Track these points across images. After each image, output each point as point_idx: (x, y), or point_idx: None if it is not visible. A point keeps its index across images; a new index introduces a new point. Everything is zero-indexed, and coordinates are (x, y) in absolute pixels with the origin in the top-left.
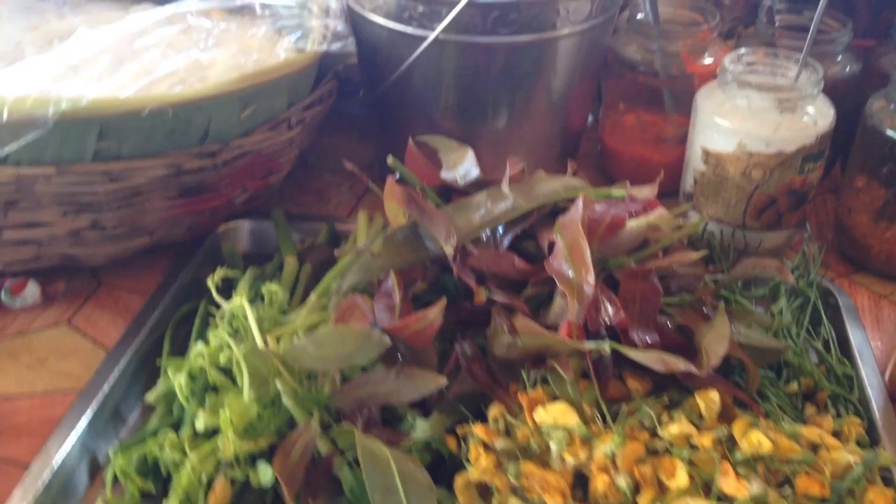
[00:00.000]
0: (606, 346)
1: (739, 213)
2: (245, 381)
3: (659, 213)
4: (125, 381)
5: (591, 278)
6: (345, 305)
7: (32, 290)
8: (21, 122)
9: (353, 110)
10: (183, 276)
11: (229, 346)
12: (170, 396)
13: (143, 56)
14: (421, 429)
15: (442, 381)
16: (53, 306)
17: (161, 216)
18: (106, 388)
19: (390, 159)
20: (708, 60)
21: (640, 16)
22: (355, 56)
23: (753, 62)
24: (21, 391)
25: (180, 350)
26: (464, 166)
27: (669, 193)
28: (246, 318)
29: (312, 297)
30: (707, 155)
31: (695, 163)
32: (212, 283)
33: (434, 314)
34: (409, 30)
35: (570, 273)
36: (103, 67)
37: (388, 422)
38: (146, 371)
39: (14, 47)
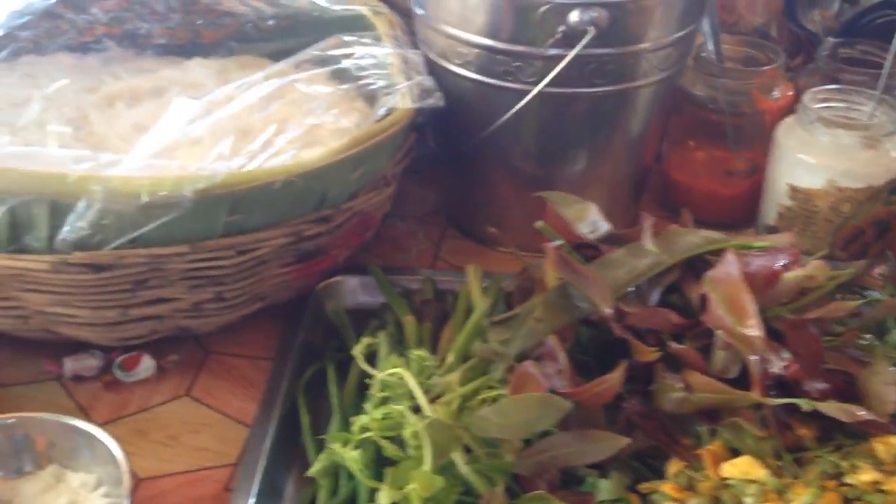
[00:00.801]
0: (804, 404)
1: (827, 245)
2: (427, 452)
3: (815, 265)
4: (273, 454)
5: (761, 331)
6: (519, 373)
7: (147, 365)
8: (159, 203)
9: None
10: (296, 340)
11: (386, 416)
12: (331, 470)
13: (252, 122)
14: (604, 489)
15: (624, 441)
16: (167, 379)
17: (276, 282)
18: (261, 463)
19: (540, 224)
20: (776, 96)
21: (703, 53)
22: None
23: (827, 98)
24: (162, 471)
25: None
26: (589, 221)
27: (736, 224)
28: (400, 386)
29: (450, 358)
30: (794, 191)
31: (779, 198)
32: (359, 354)
33: (616, 378)
34: (498, 82)
35: (734, 326)
36: (218, 140)
37: (566, 484)
38: (285, 442)
39: (77, 112)
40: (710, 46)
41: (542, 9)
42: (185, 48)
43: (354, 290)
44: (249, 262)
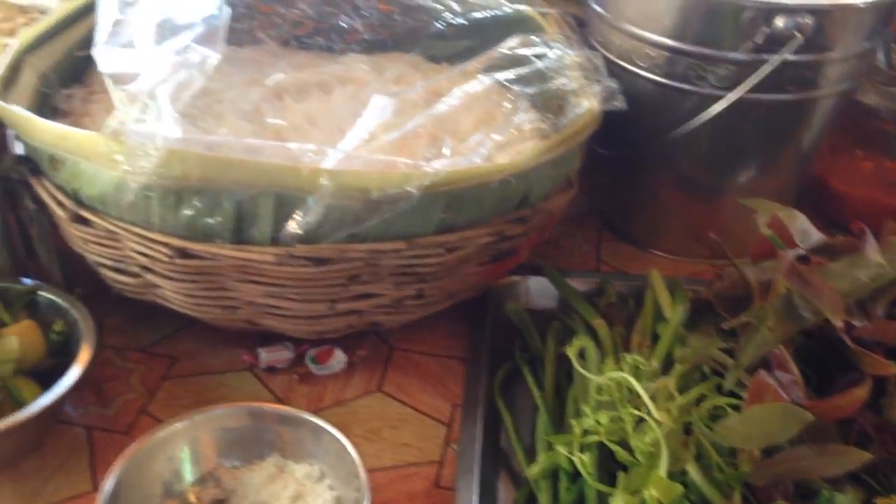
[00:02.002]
0: None
1: None
2: (663, 459)
3: None
4: (484, 455)
5: None
6: (757, 383)
7: (340, 358)
8: (385, 199)
9: None
10: (485, 340)
11: (613, 420)
12: (550, 472)
13: (454, 121)
14: (841, 503)
15: (865, 456)
16: (357, 373)
17: (469, 281)
18: (476, 465)
19: (766, 230)
20: None
21: (875, 62)
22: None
23: None
24: (371, 465)
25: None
26: (798, 229)
27: None
28: (620, 390)
29: (654, 364)
30: None
31: None
32: (573, 355)
33: (861, 393)
34: (683, 86)
35: None
36: (423, 138)
37: (800, 496)
38: (491, 443)
39: (249, 105)
40: (882, 56)
41: (745, 12)
42: (384, 44)
43: (528, 291)
44: (453, 260)
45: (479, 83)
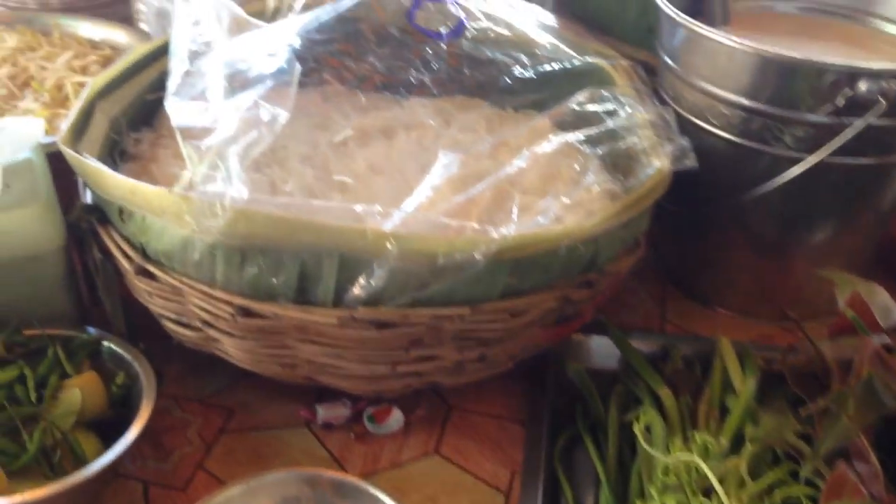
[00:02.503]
0: None
1: None
2: None
3: None
4: None
5: None
6: (837, 477)
7: (397, 417)
8: (452, 264)
9: None
10: (546, 404)
11: None
12: None
13: (526, 178)
14: None
15: None
16: (414, 433)
17: (531, 343)
18: None
19: (846, 310)
20: None
21: None
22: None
23: None
24: None
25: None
26: (879, 306)
27: None
28: (689, 471)
29: (723, 441)
30: None
31: None
32: (639, 431)
33: None
34: (757, 146)
35: None
36: (490, 197)
37: None
38: None
39: (312, 149)
40: None
41: (827, 75)
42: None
43: (590, 350)
44: (518, 325)
45: (549, 143)
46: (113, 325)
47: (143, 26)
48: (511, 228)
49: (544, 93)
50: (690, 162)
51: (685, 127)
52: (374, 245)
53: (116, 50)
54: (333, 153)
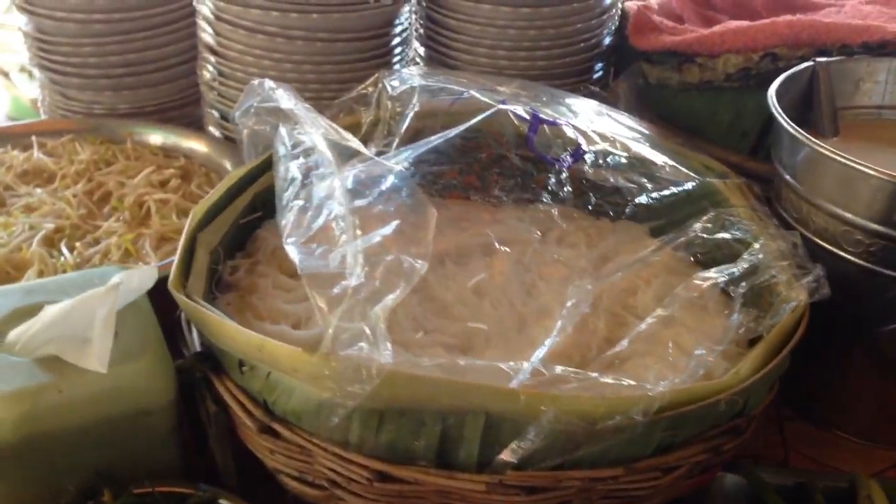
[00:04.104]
0: None
1: None
2: None
3: None
4: None
5: None
6: None
7: None
8: (610, 427)
9: None
10: None
11: None
12: None
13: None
14: None
15: None
16: None
17: (674, 493)
18: None
19: None
20: None
21: None
22: None
23: None
24: None
25: None
26: None
27: None
28: None
29: None
30: None
31: None
32: None
33: None
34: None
35: None
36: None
37: None
38: None
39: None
40: None
41: None
42: None
43: (724, 490)
44: (668, 481)
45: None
46: (223, 479)
47: (213, 130)
48: (667, 384)
49: (662, 218)
50: (825, 292)
51: (813, 252)
52: (528, 407)
53: (190, 159)
54: (433, 273)
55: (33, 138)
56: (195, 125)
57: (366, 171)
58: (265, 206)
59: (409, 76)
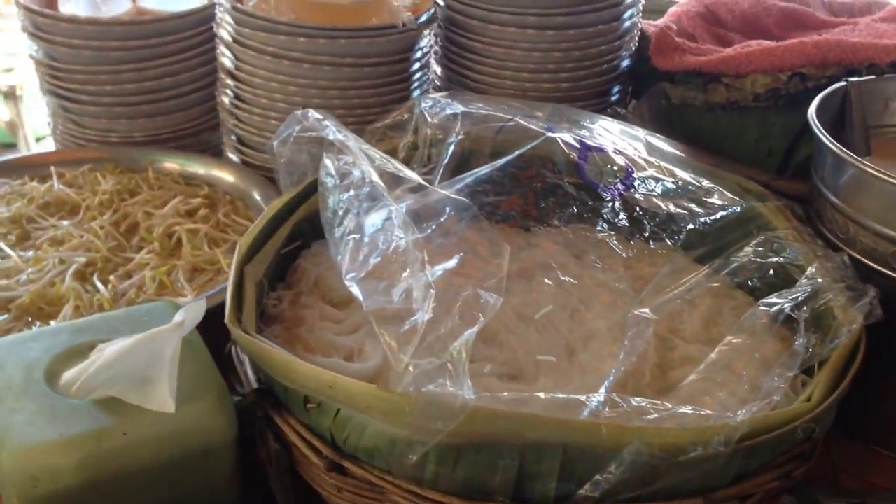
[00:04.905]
0: None
1: None
2: None
3: None
4: None
5: None
6: None
7: None
8: (693, 458)
9: None
10: None
11: None
12: None
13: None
14: None
15: None
16: None
17: None
18: None
19: None
20: None
21: None
22: None
23: None
24: None
25: None
26: None
27: None
28: None
29: None
30: None
31: None
32: None
33: None
34: None
35: None
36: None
37: None
38: None
39: (453, 293)
40: None
41: None
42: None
43: None
44: None
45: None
46: None
47: (231, 155)
48: (746, 412)
49: (711, 243)
50: (879, 313)
51: (862, 272)
52: (610, 440)
53: (213, 187)
54: (475, 300)
55: (52, 168)
56: (210, 151)
57: (420, 201)
58: (303, 236)
59: (447, 102)
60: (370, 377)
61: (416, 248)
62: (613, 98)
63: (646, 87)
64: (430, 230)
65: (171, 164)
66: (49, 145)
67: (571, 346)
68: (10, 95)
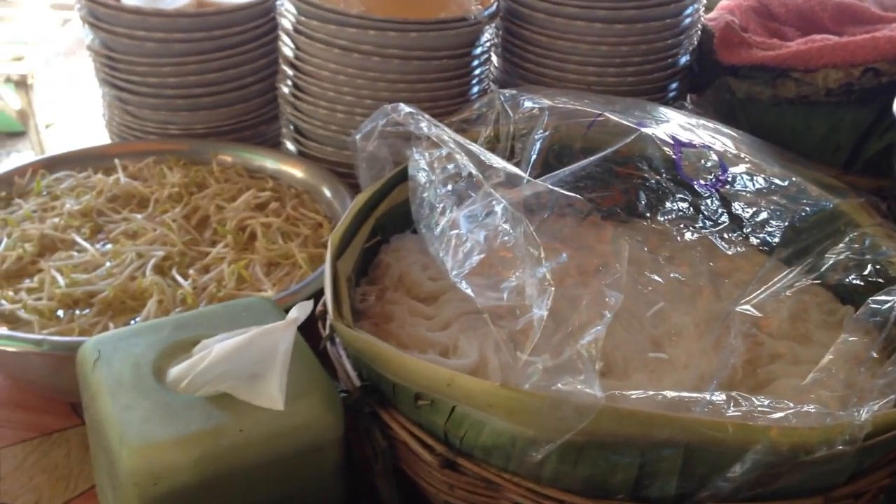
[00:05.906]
0: None
1: None
2: None
3: None
4: None
5: None
6: None
7: None
8: (819, 457)
9: None
10: None
11: None
12: None
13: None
14: None
15: None
16: None
17: None
18: None
19: None
20: None
21: None
22: None
23: None
24: None
25: None
26: None
27: None
28: None
29: None
30: None
31: None
32: None
33: None
34: None
35: None
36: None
37: None
38: None
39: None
40: None
41: None
42: None
43: None
44: None
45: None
46: None
47: (289, 146)
48: (868, 410)
49: (802, 242)
50: None
51: None
52: (736, 439)
53: (278, 179)
54: (559, 295)
55: (116, 161)
56: (268, 143)
57: (524, 195)
58: (384, 231)
59: (527, 96)
60: (468, 374)
61: (529, 243)
62: (671, 94)
63: (704, 83)
64: (537, 224)
65: (235, 156)
66: (56, 134)
67: (658, 341)
68: (21, 84)
